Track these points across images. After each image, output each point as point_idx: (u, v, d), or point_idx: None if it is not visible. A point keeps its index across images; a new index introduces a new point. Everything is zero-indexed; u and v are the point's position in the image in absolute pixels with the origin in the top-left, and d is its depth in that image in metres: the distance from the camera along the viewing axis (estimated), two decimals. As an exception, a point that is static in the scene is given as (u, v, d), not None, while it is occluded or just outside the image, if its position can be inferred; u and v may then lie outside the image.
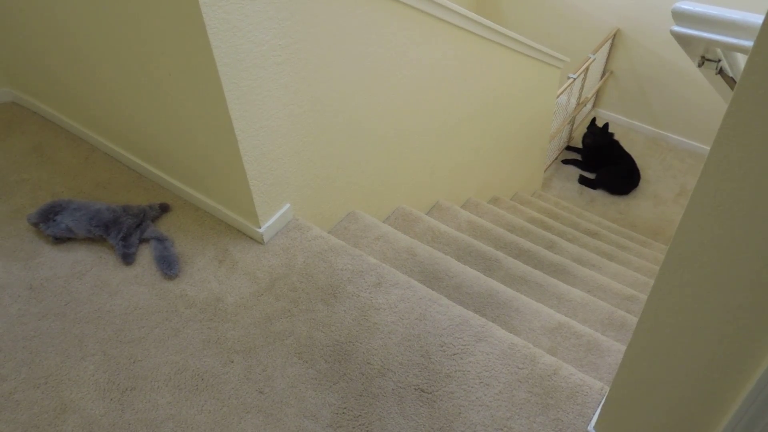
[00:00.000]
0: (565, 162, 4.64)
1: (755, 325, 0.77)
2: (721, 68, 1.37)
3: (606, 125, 4.33)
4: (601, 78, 4.63)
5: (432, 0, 1.84)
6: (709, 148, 0.66)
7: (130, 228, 1.61)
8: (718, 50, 1.34)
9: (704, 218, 0.73)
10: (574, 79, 3.90)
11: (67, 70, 1.76)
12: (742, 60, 1.37)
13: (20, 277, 1.55)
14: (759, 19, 1.08)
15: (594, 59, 4.10)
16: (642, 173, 4.41)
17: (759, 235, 0.69)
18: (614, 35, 4.32)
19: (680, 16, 1.21)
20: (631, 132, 4.78)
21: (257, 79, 1.35)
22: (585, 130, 4.45)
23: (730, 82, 1.45)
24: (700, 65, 1.37)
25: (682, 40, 1.28)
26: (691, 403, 0.96)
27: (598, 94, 4.77)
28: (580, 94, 4.41)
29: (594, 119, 4.45)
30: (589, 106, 4.86)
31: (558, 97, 3.77)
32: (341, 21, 1.53)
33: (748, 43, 1.12)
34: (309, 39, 1.44)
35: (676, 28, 1.25)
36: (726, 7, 1.14)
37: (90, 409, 1.29)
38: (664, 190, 4.35)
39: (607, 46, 4.35)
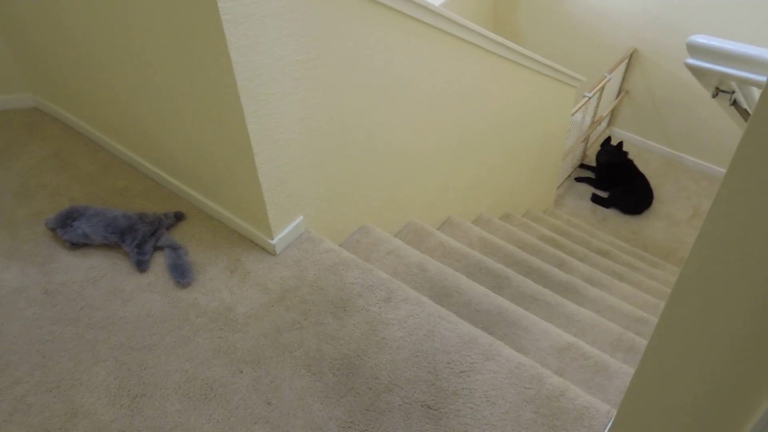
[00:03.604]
0: (579, 180, 4.63)
1: (764, 355, 0.77)
2: (735, 100, 1.37)
3: (620, 144, 4.33)
4: (617, 97, 4.62)
5: (449, 19, 1.86)
6: (723, 170, 0.67)
7: (145, 235, 1.64)
8: (732, 83, 1.34)
9: (715, 249, 0.73)
10: (590, 97, 3.90)
11: (88, 79, 1.80)
12: (756, 93, 1.38)
13: (36, 281, 1.58)
14: (772, 55, 1.09)
15: (610, 78, 4.10)
16: (656, 193, 4.39)
17: (769, 267, 0.69)
18: (631, 55, 4.32)
19: (695, 50, 1.22)
20: (645, 152, 4.76)
21: (275, 93, 1.37)
22: (599, 149, 4.44)
23: (744, 113, 1.45)
24: (714, 96, 1.37)
25: (697, 72, 1.29)
26: (700, 429, 0.95)
27: (613, 113, 4.77)
28: (595, 113, 4.41)
29: (609, 138, 4.45)
30: (603, 124, 4.85)
31: (573, 115, 3.77)
32: (359, 38, 1.55)
33: (763, 78, 1.12)
34: (327, 55, 1.46)
35: (691, 61, 1.25)
36: (741, 41, 1.15)
37: (100, 415, 1.30)
38: (678, 211, 4.32)
39: (623, 65, 4.35)
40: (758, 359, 0.79)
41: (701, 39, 1.20)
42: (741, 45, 1.14)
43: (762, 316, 0.75)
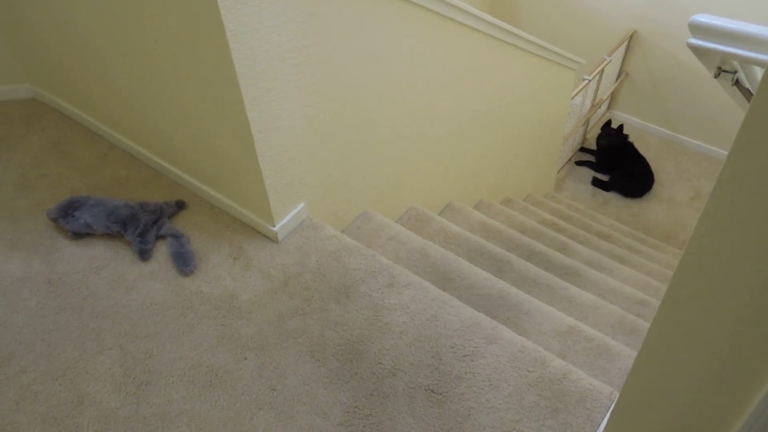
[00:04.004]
0: (579, 163, 4.62)
1: (765, 336, 0.77)
2: (737, 80, 1.37)
3: (621, 127, 4.31)
4: (617, 79, 4.60)
5: (447, 3, 1.85)
6: (724, 152, 0.66)
7: (147, 224, 1.64)
8: (735, 62, 1.34)
9: (718, 230, 0.73)
10: (589, 80, 3.88)
11: (86, 68, 1.79)
12: (759, 72, 1.37)
13: (39, 271, 1.58)
14: (776, 33, 1.08)
15: (610, 61, 4.08)
16: (656, 176, 4.39)
17: (772, 248, 0.69)
18: (630, 37, 4.30)
19: (697, 29, 1.21)
20: (645, 134, 4.75)
21: (274, 80, 1.37)
22: (599, 132, 4.43)
23: (747, 93, 1.44)
24: (716, 76, 1.37)
25: (699, 52, 1.28)
26: (701, 412, 0.96)
27: (613, 95, 4.75)
28: (595, 96, 4.39)
29: (609, 121, 4.44)
30: (604, 107, 4.83)
31: (573, 98, 3.75)
32: (357, 23, 1.54)
33: (766, 57, 1.11)
34: (325, 41, 1.45)
35: (693, 41, 1.24)
36: (743, 20, 1.14)
37: (106, 402, 1.31)
38: (679, 193, 4.32)
39: (623, 47, 4.32)
40: (760, 341, 0.79)
41: (704, 18, 1.19)
42: (744, 24, 1.13)
43: (764, 299, 0.75)
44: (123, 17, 1.45)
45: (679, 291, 0.85)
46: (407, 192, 2.26)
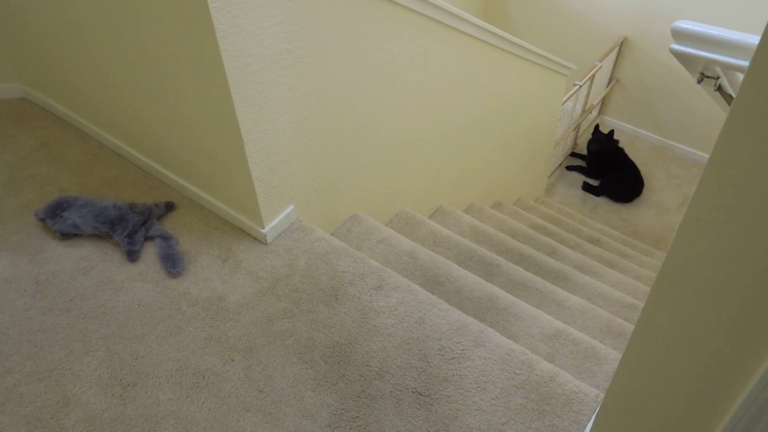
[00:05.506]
0: (570, 168, 4.64)
1: (747, 339, 0.78)
2: (719, 85, 1.38)
3: (611, 132, 4.34)
4: (608, 85, 4.63)
5: (440, 7, 1.86)
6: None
7: (135, 225, 1.63)
8: (717, 68, 1.35)
9: (699, 232, 0.74)
10: (580, 86, 3.91)
11: (77, 69, 1.79)
12: (741, 78, 1.39)
13: (27, 272, 1.57)
14: (756, 40, 1.09)
15: (601, 67, 4.11)
16: (646, 181, 4.42)
17: (752, 251, 0.70)
18: (621, 43, 4.33)
19: (679, 35, 1.22)
20: (636, 140, 4.78)
21: (264, 82, 1.37)
22: (590, 137, 4.46)
23: (728, 98, 1.46)
24: (699, 81, 1.38)
25: (682, 58, 1.29)
26: (685, 413, 0.97)
27: (604, 101, 4.78)
28: (586, 101, 4.42)
29: (598, 126, 4.46)
30: (594, 113, 4.86)
31: (564, 103, 3.78)
32: (349, 26, 1.54)
33: (746, 63, 1.13)
34: (317, 43, 1.46)
35: (676, 47, 1.26)
36: (725, 26, 1.16)
37: (92, 404, 1.31)
38: (668, 199, 4.35)
39: (614, 53, 4.35)
40: (742, 343, 0.80)
41: (686, 24, 1.20)
42: (725, 30, 1.14)
43: (745, 302, 0.76)
44: (115, 17, 1.45)
45: (661, 294, 0.85)
46: (398, 195, 2.26)
